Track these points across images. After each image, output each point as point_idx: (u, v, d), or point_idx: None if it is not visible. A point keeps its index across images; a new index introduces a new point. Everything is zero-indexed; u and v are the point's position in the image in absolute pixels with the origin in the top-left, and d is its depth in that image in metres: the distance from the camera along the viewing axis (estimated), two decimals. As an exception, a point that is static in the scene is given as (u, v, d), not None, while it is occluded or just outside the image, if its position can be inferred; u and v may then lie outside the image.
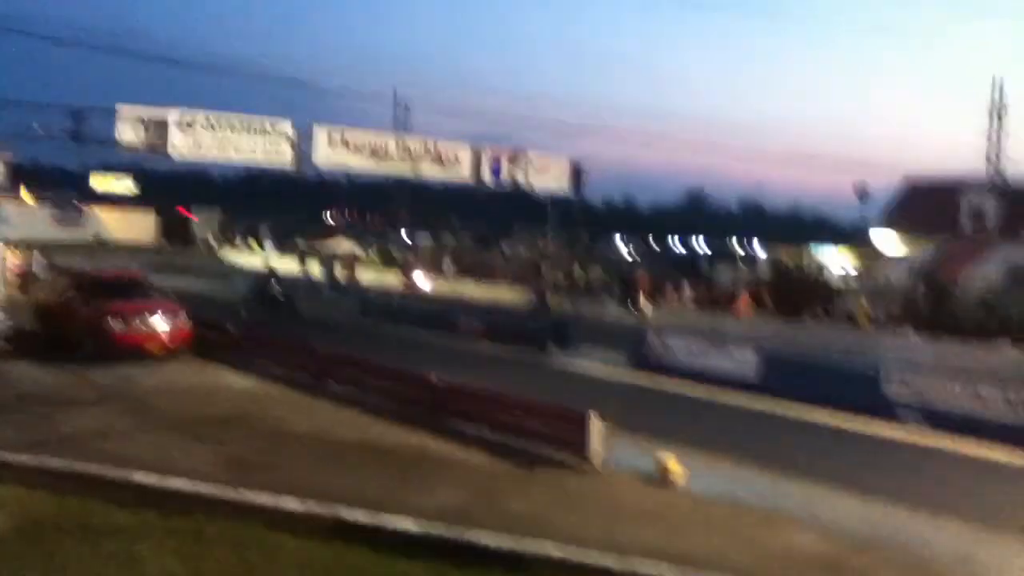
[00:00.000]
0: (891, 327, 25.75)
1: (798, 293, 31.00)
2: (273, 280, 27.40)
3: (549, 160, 35.24)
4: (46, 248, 33.84)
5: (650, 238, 72.22)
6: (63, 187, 73.96)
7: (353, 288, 31.93)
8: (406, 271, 35.56)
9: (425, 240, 54.79)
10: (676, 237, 79.99)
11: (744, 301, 29.19)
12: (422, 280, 33.35)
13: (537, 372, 20.18)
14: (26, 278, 27.53)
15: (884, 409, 16.05)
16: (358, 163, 30.76)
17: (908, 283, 29.14)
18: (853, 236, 53.38)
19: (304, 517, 8.85)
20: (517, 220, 71.52)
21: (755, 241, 69.74)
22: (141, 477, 9.75)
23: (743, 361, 18.91)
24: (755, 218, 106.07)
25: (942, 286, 28.38)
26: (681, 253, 64.49)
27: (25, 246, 33.33)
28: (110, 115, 25.55)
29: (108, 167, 78.57)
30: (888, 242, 37.92)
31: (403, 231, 58.51)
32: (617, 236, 70.23)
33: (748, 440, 14.14)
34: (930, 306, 27.42)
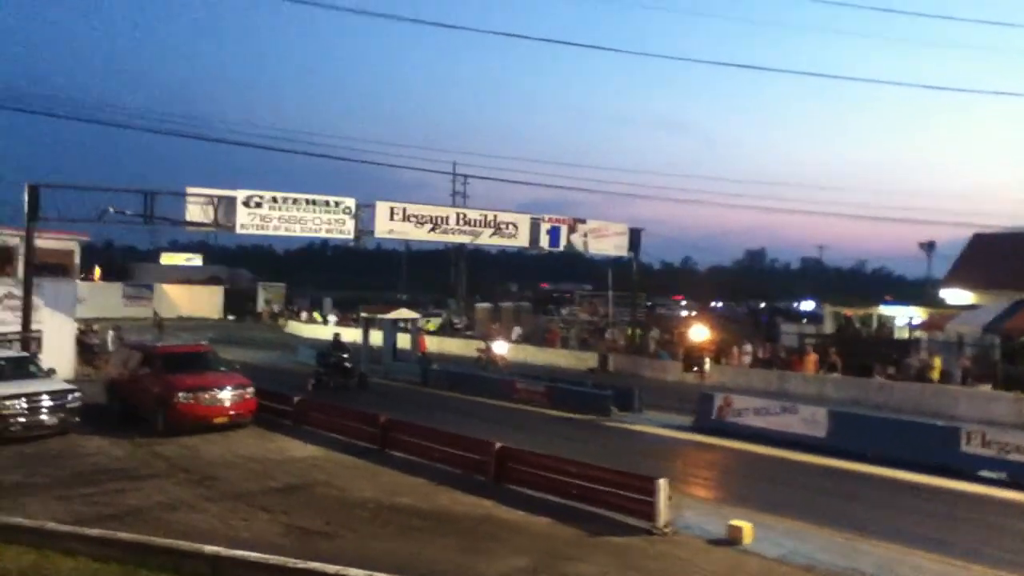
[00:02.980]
0: (965, 383, 24.94)
1: (866, 350, 30.29)
2: (340, 350, 27.70)
3: (607, 226, 35.34)
4: (118, 325, 34.80)
5: (711, 299, 71.42)
6: (134, 265, 76.39)
7: (416, 357, 32.07)
8: (485, 339, 35.61)
9: (482, 307, 54.94)
10: (738, 297, 79.05)
11: (811, 360, 28.59)
12: (502, 348, 33.32)
13: (601, 436, 19.95)
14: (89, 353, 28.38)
15: (962, 467, 15.52)
16: (418, 234, 31.24)
17: (981, 338, 28.24)
18: (921, 292, 52.21)
19: (369, 585, 8.78)
20: (575, 284, 71.55)
21: (819, 300, 68.65)
22: (208, 549, 9.81)
23: (812, 421, 18.47)
24: (818, 276, 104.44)
25: (1018, 340, 27.49)
26: (744, 313, 63.56)
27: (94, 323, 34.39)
28: (180, 197, 26.47)
29: (176, 245, 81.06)
30: (958, 297, 36.95)
31: (463, 299, 58.91)
32: (678, 298, 69.74)
33: (820, 501, 13.79)
34: (1005, 361, 26.55)
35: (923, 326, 31.90)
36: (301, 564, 9.28)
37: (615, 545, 11.00)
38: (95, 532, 10.71)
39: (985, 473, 15.33)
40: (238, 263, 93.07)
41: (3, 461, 15.51)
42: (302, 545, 10.49)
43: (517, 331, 41.03)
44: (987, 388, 24.20)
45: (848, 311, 38.68)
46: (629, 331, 39.30)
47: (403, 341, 33.98)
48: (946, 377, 25.80)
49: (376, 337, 33.50)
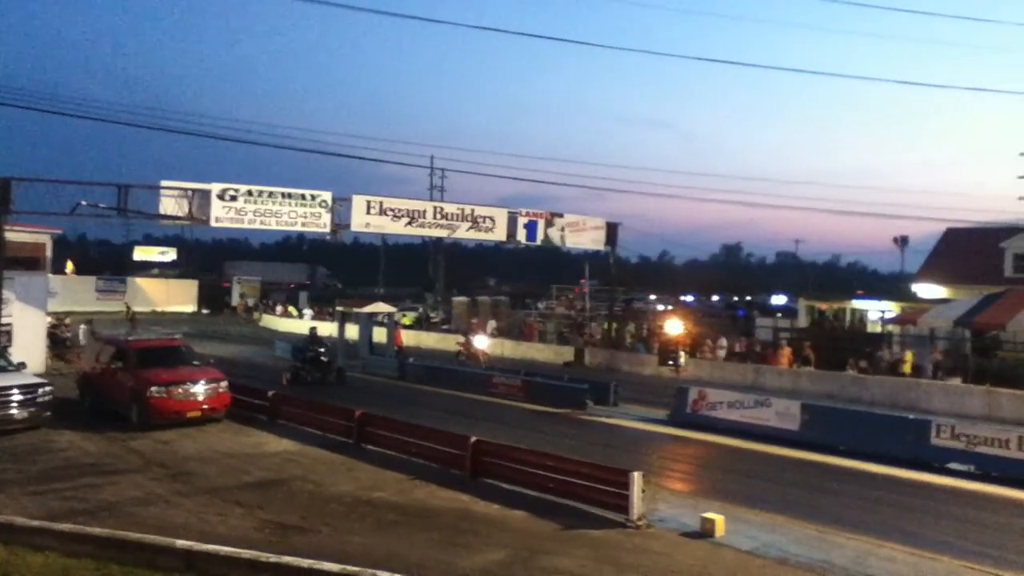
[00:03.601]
0: (936, 377, 25.24)
1: (839, 344, 30.58)
2: (316, 344, 27.57)
3: (584, 220, 35.40)
4: (90, 319, 34.44)
5: (687, 293, 71.81)
6: (107, 260, 75.74)
7: (392, 351, 31.99)
8: (465, 333, 35.56)
9: (460, 300, 54.89)
10: (713, 291, 79.59)
11: (785, 353, 28.82)
12: (482, 342, 33.26)
13: (577, 429, 20.01)
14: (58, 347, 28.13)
15: (932, 459, 15.73)
16: (395, 228, 31.13)
17: (952, 332, 28.59)
18: (894, 286, 52.75)
19: (344, 580, 8.76)
20: (552, 279, 71.73)
21: (791, 294, 69.30)
22: (182, 543, 9.75)
23: (785, 414, 18.63)
24: (793, 271, 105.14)
25: (988, 334, 27.85)
26: (718, 307, 63.94)
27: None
28: (154, 191, 26.21)
29: (150, 239, 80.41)
30: (930, 291, 37.40)
31: (440, 293, 58.84)
32: (653, 293, 70.03)
33: (793, 493, 13.91)
34: (976, 355, 26.90)
35: (896, 320, 32.24)
36: (274, 558, 9.25)
37: (591, 538, 11.05)
38: (66, 527, 10.61)
39: (954, 465, 15.53)
40: (213, 256, 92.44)
41: (-28, 456, 15.35)
42: (278, 540, 10.46)
43: (492, 324, 41.03)
44: (958, 382, 24.50)
45: (822, 305, 39.03)
46: (606, 325, 39.43)
47: (379, 335, 33.89)
48: (918, 371, 26.12)
49: (352, 331, 33.38)
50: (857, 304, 38.53)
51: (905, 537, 11.14)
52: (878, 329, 34.13)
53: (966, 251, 39.06)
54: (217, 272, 76.65)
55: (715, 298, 75.38)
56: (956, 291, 35.06)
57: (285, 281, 72.69)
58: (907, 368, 26.23)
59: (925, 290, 37.97)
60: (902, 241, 73.98)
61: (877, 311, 36.05)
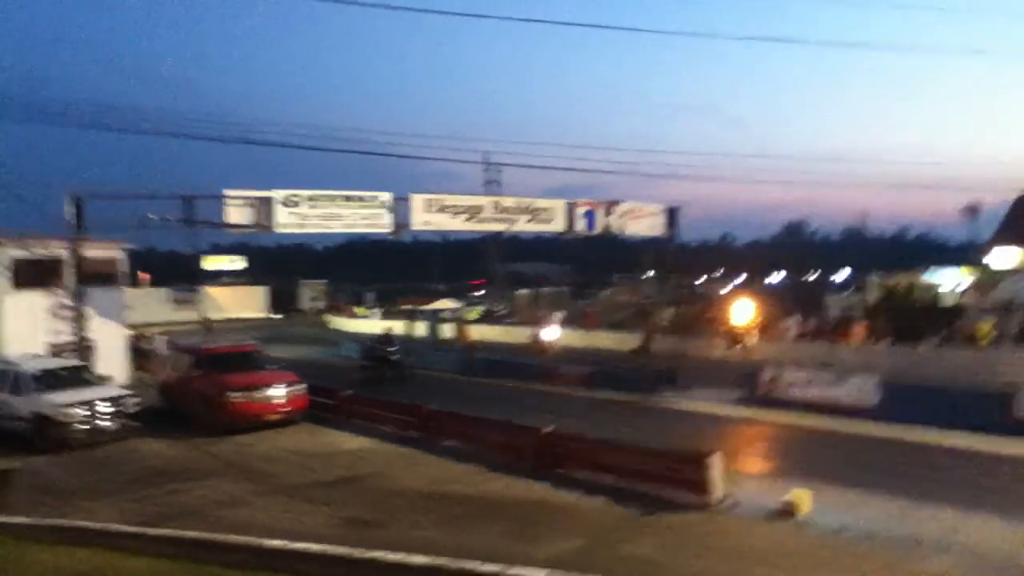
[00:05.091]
0: (1016, 346, 24.49)
1: (913, 317, 29.87)
2: (386, 343, 27.90)
3: (642, 207, 35.18)
4: (168, 329, 35.40)
5: (754, 273, 70.85)
6: (178, 270, 77.66)
7: (459, 346, 32.24)
8: (536, 326, 35.65)
9: (522, 293, 55.04)
10: (780, 270, 78.32)
11: (859, 330, 28.27)
12: (553, 334, 33.26)
13: (648, 416, 19.94)
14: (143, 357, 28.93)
15: (1017, 431, 15.28)
16: (454, 225, 31.38)
17: (1030, 299, 27.74)
18: (964, 256, 51.30)
19: (428, 572, 8.90)
20: (614, 267, 71.41)
21: (855, 270, 67.88)
22: (272, 543, 10.01)
23: (861, 390, 18.32)
24: (860, 246, 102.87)
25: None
26: (788, 285, 62.98)
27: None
28: (219, 200, 26.81)
29: (216, 248, 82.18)
30: (1004, 259, 36.31)
31: (501, 287, 59.05)
32: (720, 273, 69.35)
33: (874, 470, 13.67)
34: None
35: (970, 291, 31.38)
36: (366, 554, 9.43)
37: (669, 523, 11.03)
38: (160, 531, 10.99)
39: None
40: (279, 262, 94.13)
41: (66, 467, 15.97)
42: (356, 535, 10.64)
43: (558, 315, 41.03)
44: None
45: (893, 280, 38.17)
46: (672, 311, 39.11)
47: (446, 331, 34.15)
48: (996, 341, 25.36)
49: (419, 328, 33.73)
50: (929, 276, 37.62)
51: (992, 510, 10.86)
52: (952, 301, 33.25)
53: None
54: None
55: (774, 277, 73.99)
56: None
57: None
58: (984, 339, 25.50)
59: (998, 259, 36.86)
60: (971, 210, 71.73)
61: (951, 282, 35.16)
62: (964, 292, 32.34)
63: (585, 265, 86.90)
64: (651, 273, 48.85)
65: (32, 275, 24.65)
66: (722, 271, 72.92)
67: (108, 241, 27.11)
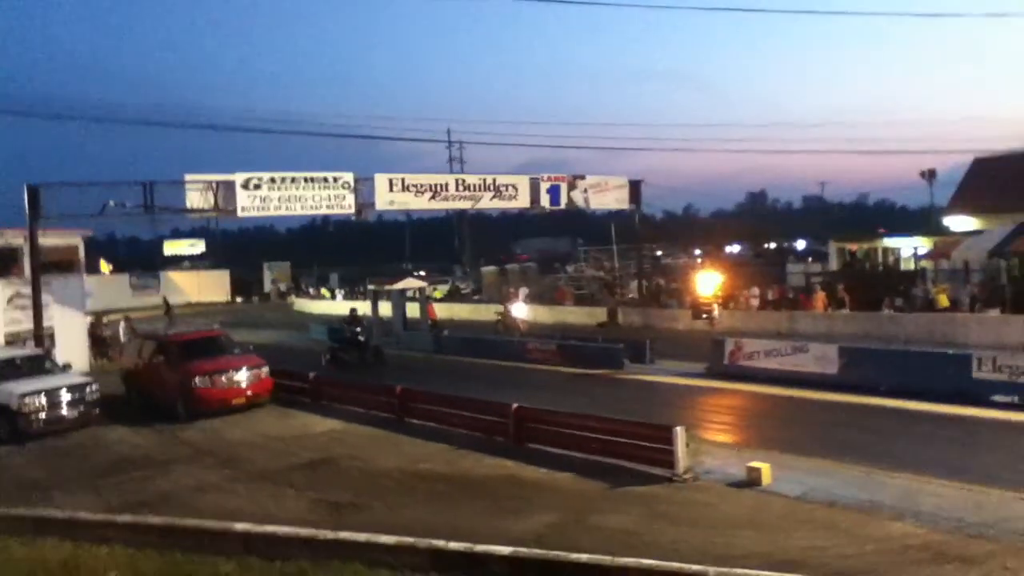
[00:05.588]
0: (974, 309, 24.97)
1: (873, 284, 30.31)
2: (354, 324, 27.77)
3: (607, 180, 35.23)
4: (128, 315, 34.92)
5: (717, 244, 71.42)
6: (138, 257, 76.63)
7: (426, 325, 32.16)
8: (503, 303, 35.64)
9: (489, 270, 54.96)
10: (740, 240, 79.04)
11: (819, 298, 28.65)
12: (520, 310, 33.30)
13: (615, 389, 20.12)
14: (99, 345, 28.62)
15: (975, 393, 15.61)
16: (419, 204, 31.20)
17: (988, 263, 28.18)
18: (924, 221, 52.00)
19: (401, 550, 8.95)
20: (579, 241, 71.54)
21: (810, 238, 68.65)
22: (240, 526, 9.99)
23: (823, 358, 18.59)
24: (820, 214, 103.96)
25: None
26: (747, 256, 63.60)
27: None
28: (179, 185, 26.44)
29: (177, 233, 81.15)
30: (962, 223, 36.82)
31: (468, 264, 58.98)
32: (681, 246, 69.71)
33: (836, 437, 13.92)
34: (1013, 284, 26.52)
35: (929, 256, 31.86)
36: (332, 535, 9.47)
37: (639, 495, 11.17)
38: (127, 519, 10.92)
39: (998, 398, 15.40)
40: (241, 245, 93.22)
41: (28, 456, 15.80)
42: (332, 518, 10.66)
43: (524, 292, 41.09)
44: (996, 313, 24.24)
45: (853, 246, 38.61)
46: (638, 284, 39.36)
47: (412, 311, 34.08)
48: (955, 305, 25.83)
49: (385, 308, 33.60)
50: (888, 242, 38.07)
51: (953, 472, 11.10)
52: (911, 266, 33.74)
53: (996, 180, 38.31)
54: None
55: (735, 248, 74.63)
56: (988, 221, 34.41)
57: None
58: (943, 303, 25.95)
59: (957, 223, 37.35)
60: (930, 174, 72.45)
61: (909, 248, 35.62)
62: (922, 257, 32.79)
63: (552, 241, 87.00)
64: (614, 247, 49.01)
65: (-11, 265, 24.24)
66: (685, 243, 73.30)
67: (67, 229, 26.72)
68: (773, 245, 76.62)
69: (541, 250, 61.73)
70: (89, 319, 28.99)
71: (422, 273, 50.14)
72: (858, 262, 36.91)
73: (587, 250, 58.06)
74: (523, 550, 8.63)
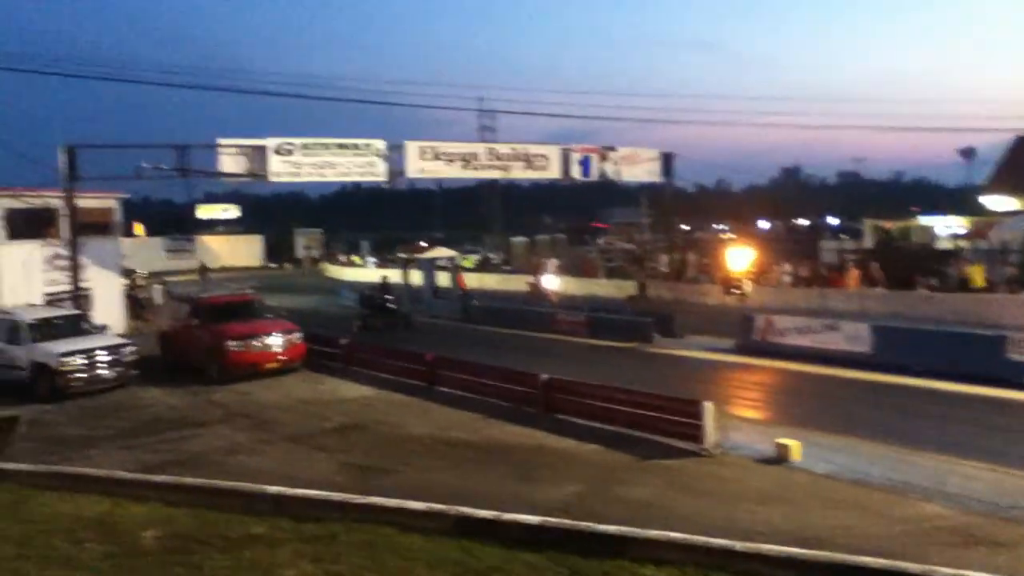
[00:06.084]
0: (1011, 291, 24.60)
1: (907, 263, 29.97)
2: (385, 291, 27.94)
3: (638, 152, 35.02)
4: (164, 278, 35.41)
5: (749, 219, 70.67)
6: (172, 220, 77.36)
7: (456, 294, 32.30)
8: (534, 273, 35.69)
9: (518, 241, 54.99)
10: (770, 216, 78.13)
11: (853, 275, 28.38)
12: (551, 281, 33.34)
13: (644, 362, 20.13)
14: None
15: (1009, 375, 15.41)
16: (450, 172, 31.29)
17: (1025, 243, 27.72)
18: (962, 200, 51.22)
19: (430, 516, 9.09)
20: (611, 213, 71.18)
21: (839, 216, 67.72)
22: (272, 489, 10.18)
23: (855, 336, 18.45)
24: (855, 189, 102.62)
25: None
26: (781, 231, 62.86)
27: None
28: (212, 149, 26.65)
29: (211, 197, 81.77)
30: (1000, 203, 36.21)
31: (498, 234, 58.98)
32: (713, 220, 69.18)
33: (867, 415, 13.84)
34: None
35: (965, 235, 31.41)
36: (362, 499, 9.61)
37: (664, 468, 11.22)
38: (163, 478, 11.14)
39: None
40: (272, 211, 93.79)
41: (67, 415, 16.10)
42: (361, 482, 10.81)
43: (554, 263, 41.07)
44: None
45: (888, 224, 38.17)
46: (668, 257, 39.17)
47: (442, 279, 34.23)
48: (990, 286, 25.48)
49: (415, 277, 33.78)
50: (924, 221, 37.59)
51: (984, 454, 11.02)
52: (947, 245, 33.29)
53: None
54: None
55: (765, 224, 73.82)
56: (1028, 201, 33.86)
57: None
58: (978, 282, 25.60)
59: (995, 202, 36.74)
60: (967, 153, 71.26)
61: (944, 227, 35.15)
62: (959, 237, 32.34)
63: (583, 211, 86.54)
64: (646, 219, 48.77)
65: (27, 226, 24.63)
66: (716, 217, 72.66)
67: (103, 191, 27.01)
68: (805, 221, 75.69)
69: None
70: (130, 280, 29.39)
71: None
72: (893, 240, 36.48)
73: (618, 223, 57.82)
74: (551, 519, 8.71)
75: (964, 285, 25.94)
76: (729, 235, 53.11)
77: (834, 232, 52.57)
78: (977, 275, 25.89)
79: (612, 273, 40.46)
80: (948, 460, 10.93)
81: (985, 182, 41.43)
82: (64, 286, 24.50)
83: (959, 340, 17.57)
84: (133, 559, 8.76)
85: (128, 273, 36.80)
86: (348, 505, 9.57)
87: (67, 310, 21.46)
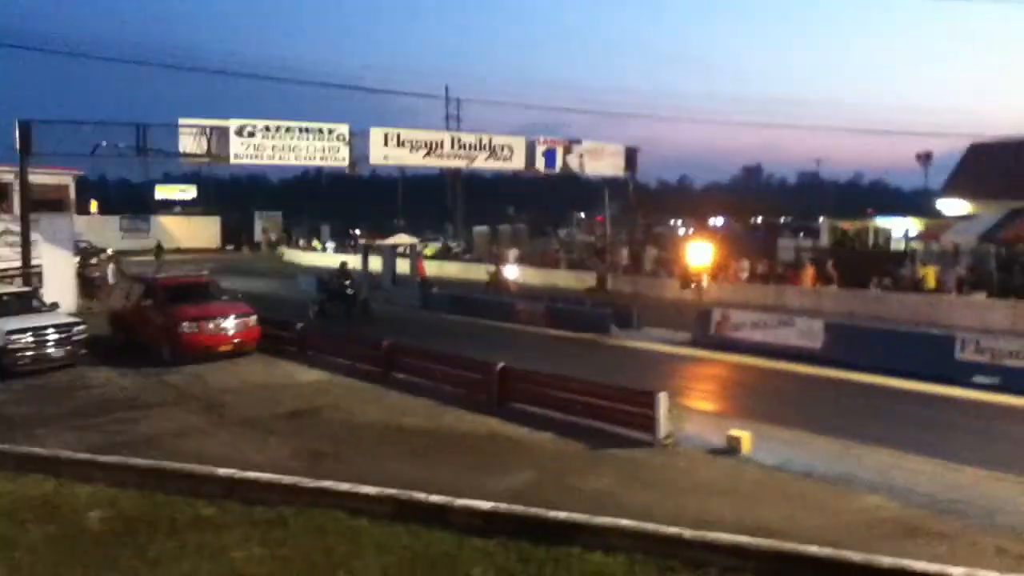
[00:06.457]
0: (960, 292, 25.13)
1: (862, 263, 30.44)
2: (343, 277, 27.75)
3: (603, 146, 35.09)
4: (118, 257, 34.84)
5: (707, 216, 71.25)
6: (128, 199, 76.14)
7: (416, 282, 32.18)
8: (495, 263, 35.65)
9: (480, 230, 54.86)
10: (725, 214, 78.88)
11: (808, 273, 28.77)
12: (512, 271, 33.35)
13: (601, 354, 20.23)
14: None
15: (957, 374, 15.76)
16: (413, 160, 31.06)
17: (977, 248, 28.33)
18: (918, 204, 52.13)
19: (381, 501, 9.06)
20: (572, 206, 71.28)
21: (816, 214, 68.56)
22: (223, 471, 10.07)
23: (808, 333, 18.72)
24: (814, 191, 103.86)
25: (1013, 249, 27.60)
26: (740, 229, 63.47)
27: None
28: (172, 129, 26.20)
29: (169, 178, 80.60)
30: (955, 207, 36.93)
31: (460, 223, 58.83)
32: (674, 217, 69.56)
33: (817, 410, 14.09)
34: (1001, 269, 26.68)
35: (920, 237, 31.98)
36: (313, 483, 9.56)
37: (617, 458, 11.29)
38: (110, 459, 10.98)
39: (979, 379, 15.56)
40: (232, 193, 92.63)
41: (13, 394, 15.78)
42: (313, 467, 10.73)
43: (514, 253, 41.11)
44: (982, 297, 24.41)
45: (845, 224, 38.72)
46: (628, 251, 39.36)
47: (402, 266, 34.10)
48: (941, 287, 25.99)
49: (375, 263, 33.60)
50: (880, 222, 38.19)
51: (929, 450, 11.24)
52: (902, 247, 33.87)
53: (991, 166, 38.37)
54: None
55: (719, 221, 74.41)
56: (981, 206, 34.55)
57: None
58: (930, 283, 26.10)
59: (950, 206, 37.46)
60: (925, 157, 72.62)
61: (900, 228, 35.76)
62: (913, 239, 32.92)
63: (546, 203, 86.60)
64: (608, 213, 48.91)
65: (-24, 200, 24.07)
66: (678, 214, 73.12)
67: (58, 168, 26.49)
68: (760, 219, 76.56)
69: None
70: (93, 260, 28.88)
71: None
72: (849, 240, 37.02)
73: (580, 215, 57.92)
74: (503, 505, 8.74)
75: (916, 286, 26.43)
76: (685, 230, 53.47)
77: (792, 230, 53.19)
78: (929, 274, 26.39)
79: (572, 265, 40.60)
80: (894, 455, 11.14)
81: (941, 187, 42.25)
82: (14, 263, 23.99)
83: (910, 339, 17.92)
84: (76, 541, 8.63)
85: (95, 251, 36.26)
86: (299, 489, 9.51)
87: (16, 287, 21.03)
